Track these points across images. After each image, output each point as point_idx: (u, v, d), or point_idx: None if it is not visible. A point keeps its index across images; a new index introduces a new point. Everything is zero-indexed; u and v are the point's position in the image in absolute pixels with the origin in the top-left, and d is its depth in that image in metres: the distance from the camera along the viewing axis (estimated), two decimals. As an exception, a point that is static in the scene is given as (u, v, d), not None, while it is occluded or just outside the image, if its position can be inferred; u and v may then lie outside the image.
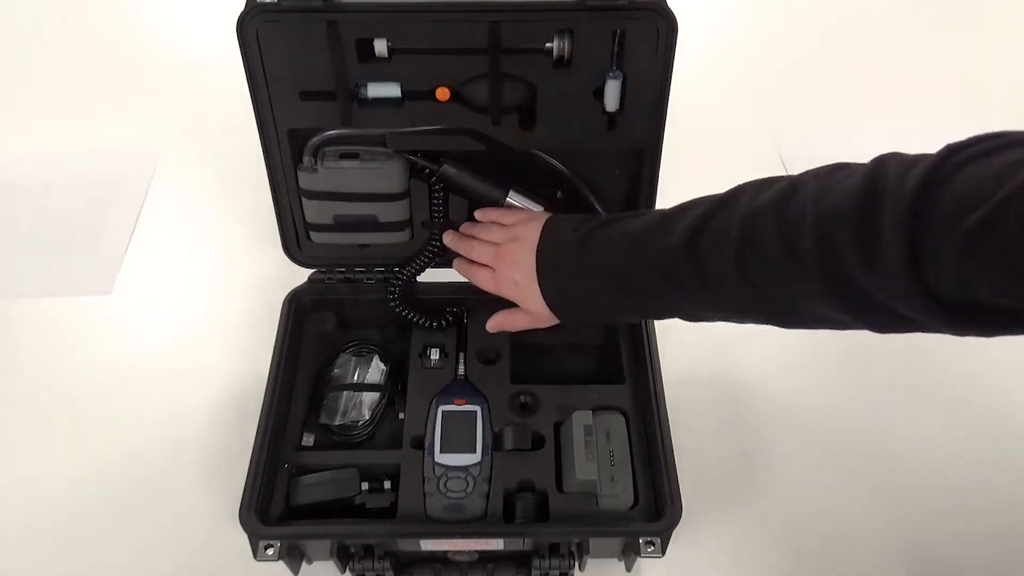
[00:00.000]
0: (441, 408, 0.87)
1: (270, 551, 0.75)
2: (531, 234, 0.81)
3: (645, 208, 0.89)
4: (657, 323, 0.92)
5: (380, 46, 0.78)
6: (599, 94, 0.82)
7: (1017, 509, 0.93)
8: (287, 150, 0.85)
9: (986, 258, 0.49)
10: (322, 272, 0.96)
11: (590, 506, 0.81)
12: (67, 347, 1.10)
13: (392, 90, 0.81)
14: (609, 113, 0.83)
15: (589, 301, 0.78)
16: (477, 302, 0.96)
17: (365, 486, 0.83)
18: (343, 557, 0.80)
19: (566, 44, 0.78)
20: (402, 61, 0.79)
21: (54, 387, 1.05)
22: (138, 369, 1.07)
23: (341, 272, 0.96)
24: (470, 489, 0.81)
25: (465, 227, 0.91)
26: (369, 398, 0.91)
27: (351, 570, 0.82)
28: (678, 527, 0.76)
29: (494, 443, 0.85)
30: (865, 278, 0.56)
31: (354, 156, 0.86)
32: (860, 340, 1.10)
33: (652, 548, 0.76)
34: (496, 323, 0.87)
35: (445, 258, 0.94)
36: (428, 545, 0.80)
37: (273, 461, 0.83)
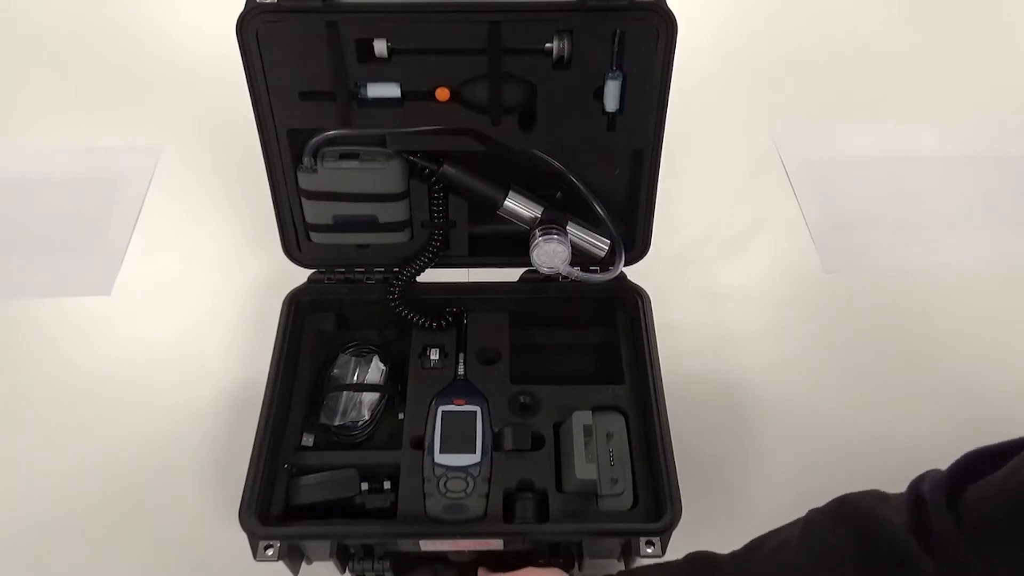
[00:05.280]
0: (441, 408, 0.87)
1: (270, 551, 0.75)
2: None
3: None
4: (657, 323, 0.92)
5: (380, 46, 0.78)
6: (599, 94, 0.82)
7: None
8: (287, 150, 0.85)
9: None
10: (322, 272, 0.96)
11: (590, 506, 0.81)
12: (67, 347, 1.10)
13: (392, 90, 0.81)
14: (609, 113, 0.83)
15: None
16: (477, 302, 0.96)
17: (365, 486, 0.83)
18: (343, 557, 0.80)
19: (566, 44, 0.78)
20: (402, 61, 0.79)
21: (53, 387, 1.05)
22: (137, 369, 1.07)
23: (341, 272, 0.96)
24: (470, 489, 0.81)
25: None
26: (369, 398, 0.91)
27: (351, 570, 0.82)
28: (678, 527, 0.76)
29: (494, 443, 0.85)
30: None
31: (354, 156, 0.85)
32: (859, 341, 1.11)
33: (652, 548, 0.76)
34: None
35: (445, 258, 0.94)
36: (428, 545, 0.79)
37: (273, 461, 0.83)
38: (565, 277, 0.92)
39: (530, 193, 0.89)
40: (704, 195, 1.28)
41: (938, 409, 1.03)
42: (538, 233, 0.87)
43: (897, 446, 0.99)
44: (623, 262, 0.92)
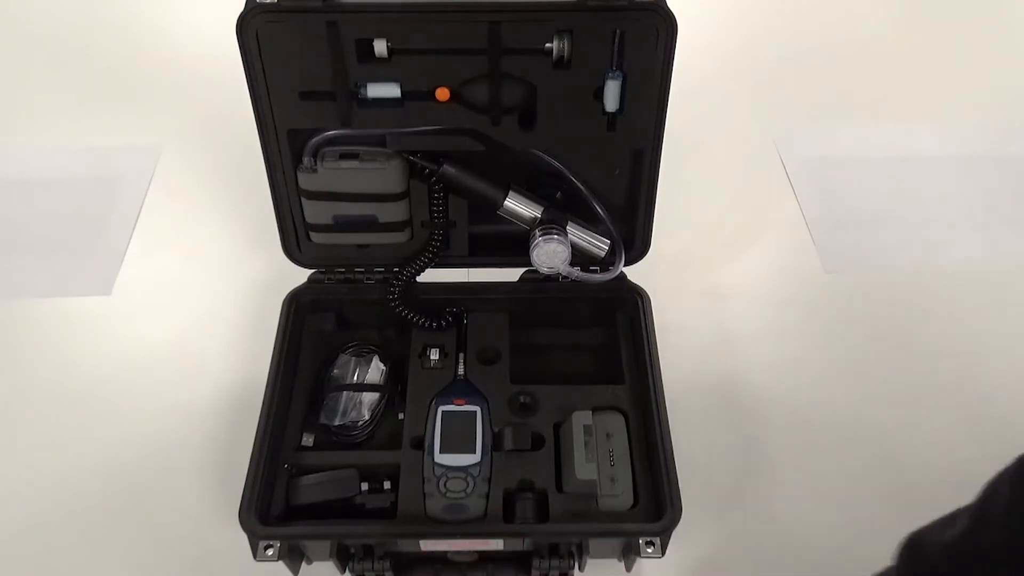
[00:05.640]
0: (441, 408, 0.87)
1: (270, 551, 0.75)
2: None
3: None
4: (657, 323, 0.92)
5: (380, 46, 0.78)
6: (599, 94, 0.82)
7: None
8: (287, 150, 0.85)
9: None
10: (322, 272, 0.96)
11: (590, 506, 0.81)
12: (67, 347, 1.10)
13: (392, 90, 0.81)
14: (609, 113, 0.83)
15: None
16: (477, 302, 0.96)
17: (365, 486, 0.83)
18: (343, 557, 0.80)
19: (566, 44, 0.78)
20: (402, 61, 0.80)
21: (53, 387, 1.05)
22: (138, 370, 1.07)
23: (341, 272, 0.96)
24: (470, 489, 0.81)
25: None
26: (369, 398, 0.91)
27: (351, 570, 0.82)
28: (678, 527, 0.76)
29: (494, 443, 0.85)
30: None
31: (354, 156, 0.86)
32: (859, 341, 1.11)
33: (652, 548, 0.76)
34: None
35: (445, 258, 0.94)
36: (428, 545, 0.80)
37: (273, 461, 0.83)
38: (565, 277, 0.92)
39: (530, 193, 0.89)
40: (704, 195, 1.28)
41: (938, 408, 1.03)
42: (538, 233, 0.87)
43: (897, 445, 0.99)
44: (623, 262, 0.92)
